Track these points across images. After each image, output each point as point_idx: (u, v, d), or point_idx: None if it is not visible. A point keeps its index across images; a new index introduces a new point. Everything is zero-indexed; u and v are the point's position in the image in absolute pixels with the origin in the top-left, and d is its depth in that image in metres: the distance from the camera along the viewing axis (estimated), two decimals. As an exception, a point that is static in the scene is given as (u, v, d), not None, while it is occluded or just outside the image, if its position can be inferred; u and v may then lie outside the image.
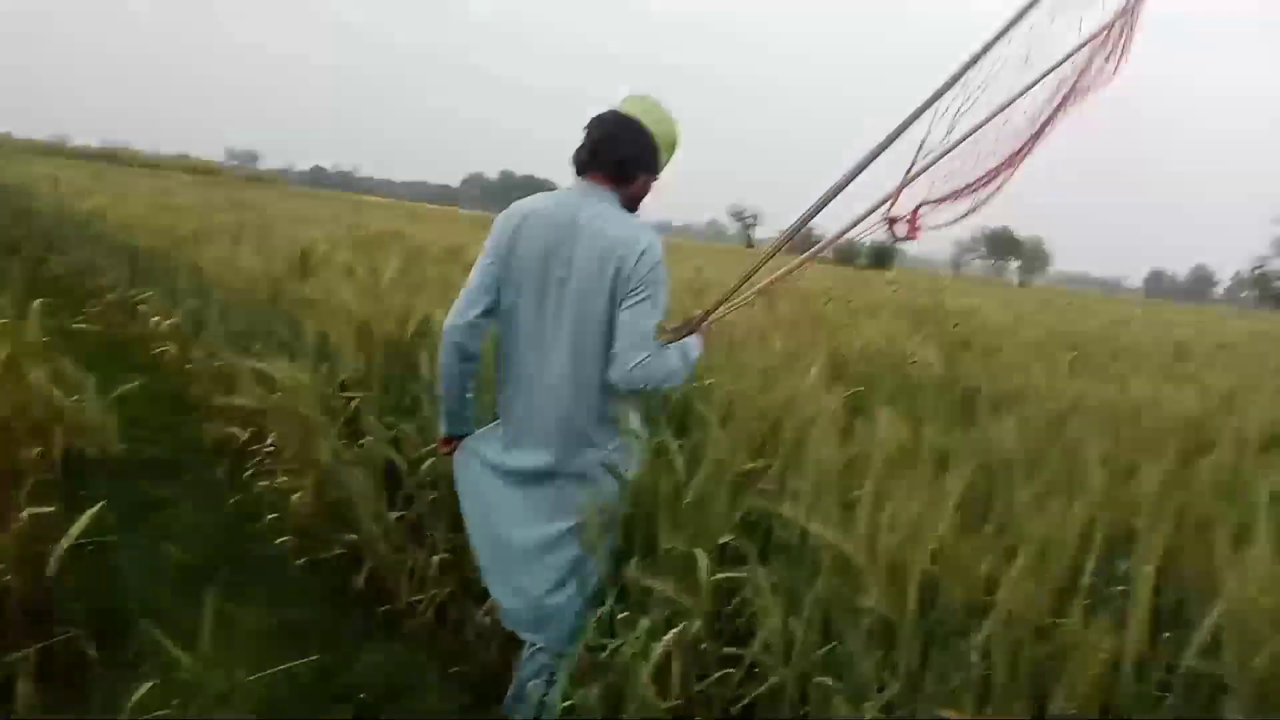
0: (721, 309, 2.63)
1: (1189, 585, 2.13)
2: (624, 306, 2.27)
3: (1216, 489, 2.78)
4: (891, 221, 2.46)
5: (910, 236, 2.48)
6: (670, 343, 2.40)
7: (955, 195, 2.43)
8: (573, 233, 2.30)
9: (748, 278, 2.64)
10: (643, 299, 2.26)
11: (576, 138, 2.41)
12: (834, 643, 2.06)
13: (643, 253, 2.26)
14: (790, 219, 2.42)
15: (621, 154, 2.36)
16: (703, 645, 2.24)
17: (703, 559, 2.23)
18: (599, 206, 2.34)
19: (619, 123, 2.37)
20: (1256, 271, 76.11)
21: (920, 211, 2.44)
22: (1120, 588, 1.98)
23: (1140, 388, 4.34)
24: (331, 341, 3.75)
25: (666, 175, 2.52)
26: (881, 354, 4.53)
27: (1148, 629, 1.88)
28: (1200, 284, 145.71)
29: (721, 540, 2.39)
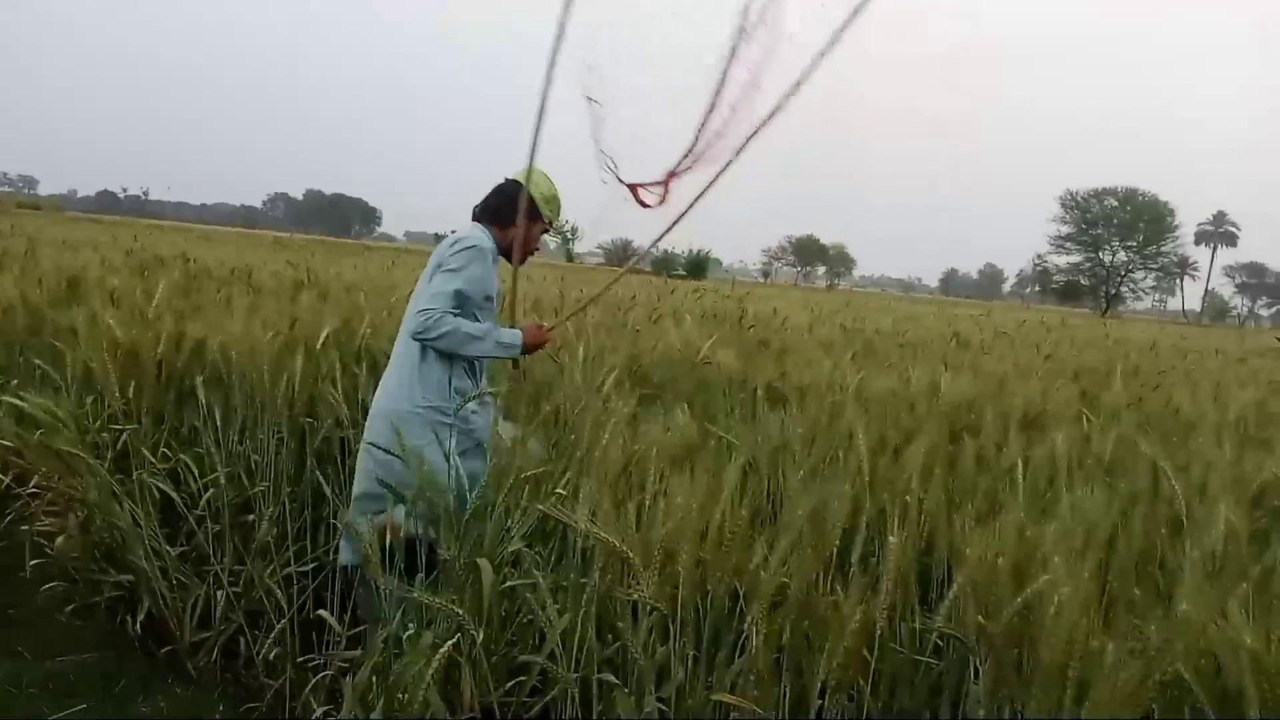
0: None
1: (949, 556, 2.27)
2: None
3: (979, 466, 2.99)
4: (634, 188, 2.88)
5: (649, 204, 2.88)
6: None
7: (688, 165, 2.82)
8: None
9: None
10: (446, 270, 2.89)
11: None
12: (617, 641, 2.08)
13: (458, 240, 2.96)
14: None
15: (496, 203, 3.14)
16: (493, 656, 2.21)
17: (487, 569, 2.20)
18: (467, 229, 3.08)
19: (503, 185, 3.16)
20: (1038, 268, 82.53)
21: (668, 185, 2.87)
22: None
23: (920, 377, 4.60)
24: (95, 372, 3.49)
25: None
26: (681, 356, 4.63)
27: (906, 597, 2.00)
28: (991, 281, 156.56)
29: (512, 548, 2.38)
